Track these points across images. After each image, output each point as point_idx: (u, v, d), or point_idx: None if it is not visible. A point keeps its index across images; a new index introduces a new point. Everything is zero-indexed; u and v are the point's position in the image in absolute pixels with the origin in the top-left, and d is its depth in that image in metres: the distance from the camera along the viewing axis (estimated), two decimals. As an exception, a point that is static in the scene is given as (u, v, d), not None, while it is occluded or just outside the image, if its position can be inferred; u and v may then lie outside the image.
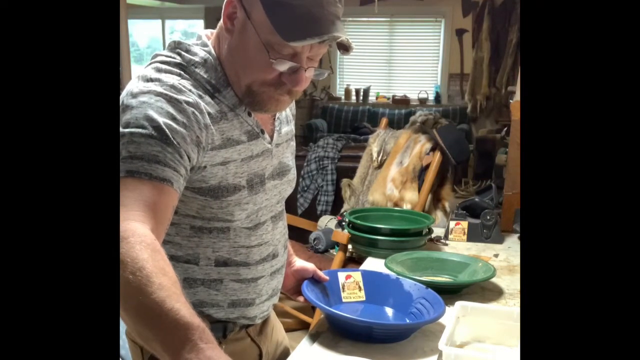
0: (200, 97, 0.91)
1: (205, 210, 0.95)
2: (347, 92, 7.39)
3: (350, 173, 3.09)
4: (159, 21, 7.81)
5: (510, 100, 2.23)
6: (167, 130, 0.84)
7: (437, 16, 7.05)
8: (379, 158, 2.92)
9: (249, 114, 0.98)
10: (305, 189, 3.53)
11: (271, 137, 1.04)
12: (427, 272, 1.51)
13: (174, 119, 0.85)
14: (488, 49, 6.48)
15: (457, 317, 1.15)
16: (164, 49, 1.00)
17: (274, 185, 1.05)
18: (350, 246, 2.37)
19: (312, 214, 3.40)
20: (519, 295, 1.42)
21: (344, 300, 1.29)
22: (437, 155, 2.71)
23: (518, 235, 1.96)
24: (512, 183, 2.02)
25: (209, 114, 0.91)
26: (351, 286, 1.30)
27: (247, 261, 1.03)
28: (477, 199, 2.02)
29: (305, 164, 3.56)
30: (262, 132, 1.01)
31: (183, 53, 0.96)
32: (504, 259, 1.74)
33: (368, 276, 1.34)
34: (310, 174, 3.54)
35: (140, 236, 0.76)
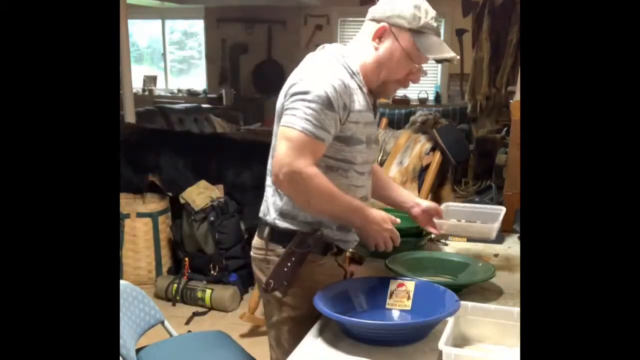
0: (349, 76, 1.37)
1: (339, 153, 1.37)
2: (347, 92, 7.37)
3: (351, 173, 3.08)
4: (159, 21, 7.80)
5: (510, 100, 2.23)
6: (332, 100, 1.29)
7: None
8: (379, 158, 2.92)
9: (370, 93, 1.42)
10: (306, 189, 3.53)
11: (375, 114, 1.49)
12: (427, 272, 1.52)
13: (335, 91, 1.29)
14: (488, 49, 6.46)
15: (457, 317, 1.15)
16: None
17: (373, 148, 1.47)
18: (350, 246, 2.36)
19: (312, 214, 3.38)
20: (519, 295, 1.42)
21: (388, 306, 1.31)
22: (437, 155, 2.71)
23: (518, 235, 1.96)
24: (512, 183, 2.02)
25: (352, 87, 1.35)
26: (400, 294, 1.32)
27: (354, 196, 1.41)
28: (477, 199, 2.02)
29: (305, 164, 3.54)
30: (374, 107, 1.46)
31: (336, 53, 1.41)
32: (504, 259, 1.74)
33: (420, 287, 1.33)
34: (311, 174, 3.53)
35: (318, 173, 1.29)
